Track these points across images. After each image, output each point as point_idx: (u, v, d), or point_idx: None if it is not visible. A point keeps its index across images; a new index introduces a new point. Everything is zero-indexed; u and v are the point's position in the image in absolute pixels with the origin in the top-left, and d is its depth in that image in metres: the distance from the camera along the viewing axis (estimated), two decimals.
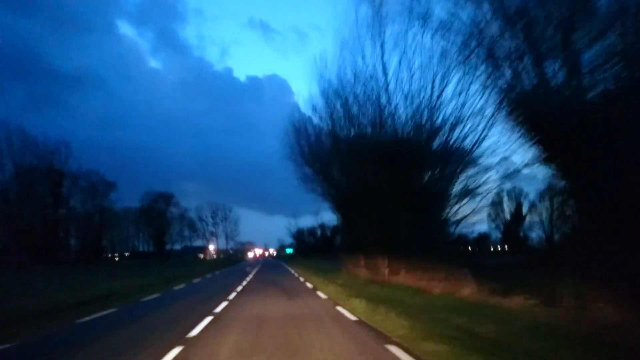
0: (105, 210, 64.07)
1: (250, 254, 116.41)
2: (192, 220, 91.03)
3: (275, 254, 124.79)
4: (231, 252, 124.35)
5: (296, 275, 23.99)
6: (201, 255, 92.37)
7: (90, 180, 59.88)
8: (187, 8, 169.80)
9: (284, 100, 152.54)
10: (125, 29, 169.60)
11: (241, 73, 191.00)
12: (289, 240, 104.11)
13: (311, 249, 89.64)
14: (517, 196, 52.00)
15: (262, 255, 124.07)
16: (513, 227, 52.74)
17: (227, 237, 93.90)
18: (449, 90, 13.72)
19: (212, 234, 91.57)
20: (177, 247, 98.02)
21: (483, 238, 54.65)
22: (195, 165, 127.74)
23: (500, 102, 10.33)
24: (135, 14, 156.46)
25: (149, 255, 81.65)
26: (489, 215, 52.56)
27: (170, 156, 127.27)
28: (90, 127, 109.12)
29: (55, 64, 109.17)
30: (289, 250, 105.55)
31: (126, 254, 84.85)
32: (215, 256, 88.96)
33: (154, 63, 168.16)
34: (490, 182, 13.90)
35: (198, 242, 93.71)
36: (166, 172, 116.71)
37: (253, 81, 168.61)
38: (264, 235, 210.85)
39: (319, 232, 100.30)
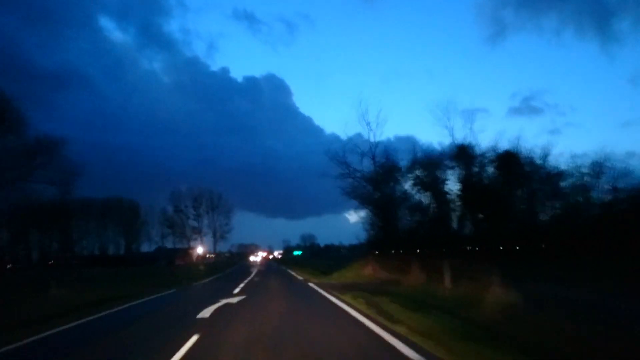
0: None
1: (253, 258, 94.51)
2: (168, 215, 69.72)
3: (280, 256, 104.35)
4: (227, 255, 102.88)
5: None
6: (193, 258, 69.79)
7: None
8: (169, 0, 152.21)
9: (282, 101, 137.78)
10: (105, 23, 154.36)
11: (238, 74, 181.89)
12: (296, 238, 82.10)
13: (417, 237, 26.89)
14: None
15: (267, 258, 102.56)
16: None
17: (215, 233, 69.06)
18: None
19: (195, 230, 68.31)
20: (153, 248, 77.38)
21: None
22: (191, 167, 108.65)
23: None
24: (116, 8, 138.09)
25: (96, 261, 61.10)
26: None
27: (166, 158, 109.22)
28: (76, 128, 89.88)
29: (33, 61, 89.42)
30: (297, 252, 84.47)
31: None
32: (201, 261, 65.98)
33: (144, 63, 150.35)
34: None
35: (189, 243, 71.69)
36: (162, 174, 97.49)
37: (250, 82, 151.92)
38: (268, 238, 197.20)
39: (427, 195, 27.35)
